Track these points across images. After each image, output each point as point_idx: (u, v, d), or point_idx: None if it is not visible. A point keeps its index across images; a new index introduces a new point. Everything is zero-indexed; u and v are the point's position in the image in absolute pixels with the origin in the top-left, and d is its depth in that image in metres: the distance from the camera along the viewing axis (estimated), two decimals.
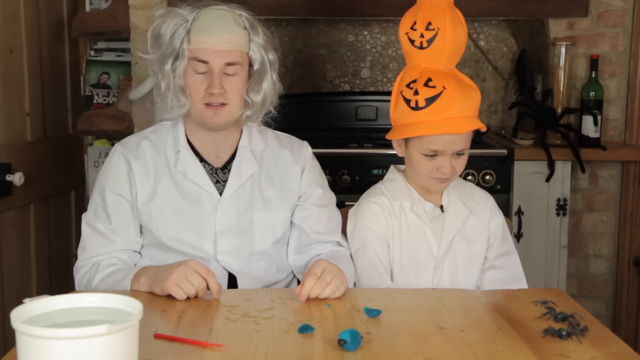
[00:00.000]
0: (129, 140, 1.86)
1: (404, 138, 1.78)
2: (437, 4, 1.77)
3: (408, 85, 1.75)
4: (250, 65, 1.78)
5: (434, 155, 1.74)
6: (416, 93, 1.73)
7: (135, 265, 1.78)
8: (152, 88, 1.84)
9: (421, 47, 1.76)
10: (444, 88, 1.71)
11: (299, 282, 1.90)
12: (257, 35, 1.77)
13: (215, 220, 1.79)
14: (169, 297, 1.57)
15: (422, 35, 1.75)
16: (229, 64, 1.73)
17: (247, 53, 1.76)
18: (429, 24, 1.75)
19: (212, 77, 1.73)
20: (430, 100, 1.71)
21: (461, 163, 1.77)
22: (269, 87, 1.80)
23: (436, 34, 1.74)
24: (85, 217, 1.82)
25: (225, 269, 1.80)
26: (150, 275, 1.63)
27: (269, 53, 1.80)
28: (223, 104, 1.75)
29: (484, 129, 1.77)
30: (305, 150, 1.92)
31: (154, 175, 1.80)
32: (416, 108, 1.72)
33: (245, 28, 1.76)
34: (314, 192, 1.88)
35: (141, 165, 1.80)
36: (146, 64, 1.82)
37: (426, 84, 1.73)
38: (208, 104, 1.75)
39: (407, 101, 1.74)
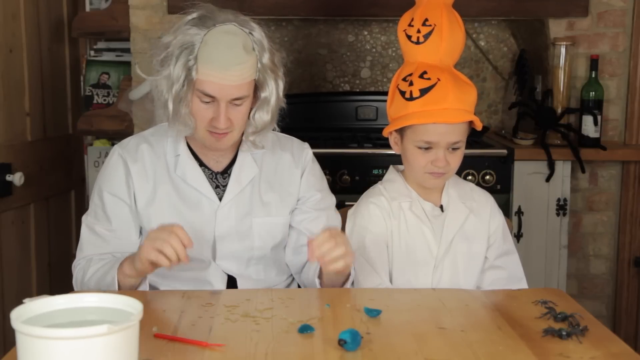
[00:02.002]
0: (128, 142, 1.84)
1: (400, 133, 1.78)
2: (435, 3, 1.78)
3: (404, 79, 1.76)
4: (257, 87, 1.73)
5: (428, 147, 1.74)
6: (411, 84, 1.74)
7: None
8: (152, 89, 1.81)
9: (418, 42, 1.77)
10: (439, 79, 1.72)
11: (298, 285, 1.90)
12: (264, 56, 1.70)
13: (215, 225, 1.79)
14: (168, 297, 1.57)
15: (418, 31, 1.77)
16: (236, 99, 1.68)
17: (255, 79, 1.71)
18: (426, 20, 1.77)
19: (218, 111, 1.68)
20: (424, 91, 1.72)
21: (456, 158, 1.77)
22: (276, 105, 1.76)
23: (432, 29, 1.75)
24: (86, 219, 1.81)
25: (225, 272, 1.80)
26: (129, 258, 1.62)
27: (278, 76, 1.74)
28: (226, 133, 1.72)
29: (478, 123, 1.76)
30: (306, 152, 1.90)
31: (153, 179, 1.79)
32: (410, 99, 1.74)
33: (253, 50, 1.69)
34: (312, 196, 1.87)
35: (139, 168, 1.79)
36: (149, 74, 1.77)
37: (421, 76, 1.74)
38: (212, 132, 1.72)
39: (402, 93, 1.75)
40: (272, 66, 1.72)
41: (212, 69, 1.65)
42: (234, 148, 1.83)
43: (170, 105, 1.69)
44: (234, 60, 1.66)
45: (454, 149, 1.75)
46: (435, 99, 1.71)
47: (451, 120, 1.71)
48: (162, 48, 1.71)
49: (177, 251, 1.52)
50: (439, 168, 1.75)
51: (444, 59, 1.76)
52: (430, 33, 1.75)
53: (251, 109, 1.75)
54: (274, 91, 1.74)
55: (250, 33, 1.70)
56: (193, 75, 1.66)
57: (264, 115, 1.75)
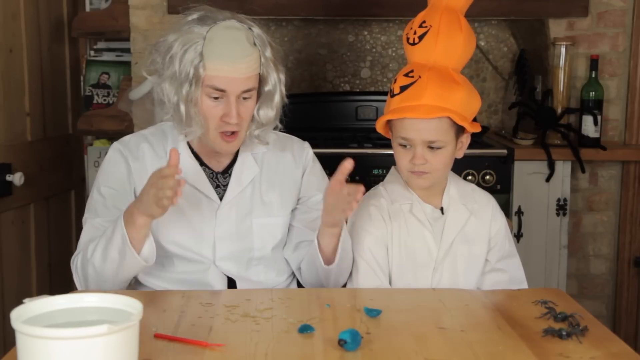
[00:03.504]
0: (129, 140, 1.84)
1: (392, 132, 1.79)
2: (437, 6, 1.78)
3: (395, 78, 1.77)
4: (260, 82, 1.74)
5: (407, 145, 1.74)
6: (395, 82, 1.76)
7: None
8: (152, 88, 1.81)
9: (413, 44, 1.77)
10: (420, 77, 1.72)
11: (298, 284, 1.90)
12: (266, 51, 1.72)
13: (215, 225, 1.78)
14: (168, 297, 1.58)
15: (415, 32, 1.77)
16: (246, 91, 1.70)
17: (259, 73, 1.72)
18: (423, 22, 1.77)
19: (229, 106, 1.68)
20: (403, 88, 1.73)
21: (438, 158, 1.74)
22: (279, 102, 1.78)
23: (427, 30, 1.75)
24: (87, 217, 1.80)
25: (225, 274, 1.80)
26: (137, 211, 1.60)
27: (279, 70, 1.76)
28: (235, 132, 1.72)
29: (464, 123, 1.73)
30: (307, 152, 1.90)
31: None
32: (392, 96, 1.75)
33: (255, 45, 1.71)
34: (313, 195, 1.87)
35: (140, 167, 1.79)
36: (145, 70, 1.77)
37: (406, 74, 1.75)
38: (222, 133, 1.72)
39: (390, 91, 1.77)
40: (274, 60, 1.75)
41: (221, 63, 1.66)
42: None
43: (183, 107, 1.69)
44: (241, 53, 1.67)
45: (433, 147, 1.73)
46: (411, 95, 1.71)
47: (423, 115, 1.70)
48: (164, 49, 1.71)
49: (174, 191, 1.52)
50: (417, 166, 1.74)
51: (440, 59, 1.75)
52: (424, 34, 1.75)
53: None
54: (277, 86, 1.75)
55: (250, 29, 1.72)
56: (200, 72, 1.66)
57: (269, 112, 1.76)
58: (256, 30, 1.73)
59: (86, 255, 1.70)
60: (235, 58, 1.66)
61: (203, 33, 1.67)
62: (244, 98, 1.71)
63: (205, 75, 1.67)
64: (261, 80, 1.74)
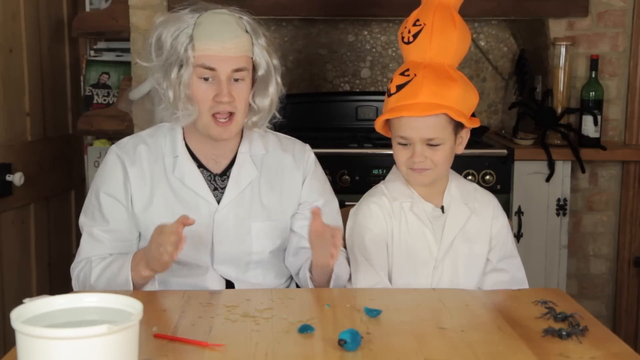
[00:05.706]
0: (126, 143, 1.83)
1: (392, 132, 1.79)
2: (430, 3, 1.79)
3: (392, 78, 1.78)
4: (254, 69, 1.76)
5: (406, 143, 1.74)
6: (391, 81, 1.77)
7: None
8: (152, 88, 1.81)
9: (408, 42, 1.78)
10: (415, 75, 1.73)
11: (297, 285, 1.90)
12: (259, 39, 1.74)
13: (213, 229, 1.77)
14: (168, 297, 1.58)
15: (409, 31, 1.78)
16: (237, 70, 1.70)
17: (252, 58, 1.74)
18: (417, 20, 1.78)
19: (220, 85, 1.69)
20: (399, 87, 1.74)
21: (438, 155, 1.75)
22: (275, 90, 1.78)
23: (421, 29, 1.76)
24: (84, 222, 1.80)
25: (223, 277, 1.79)
26: (143, 261, 1.63)
27: (273, 57, 1.77)
28: (231, 115, 1.72)
29: (462, 119, 1.73)
30: (308, 155, 1.89)
31: (150, 182, 1.78)
32: (389, 95, 1.76)
33: (247, 32, 1.73)
34: (315, 201, 1.86)
35: (137, 171, 1.78)
36: (148, 71, 1.79)
37: (402, 73, 1.76)
38: (216, 116, 1.71)
39: (388, 90, 1.77)
40: (268, 49, 1.76)
41: (210, 43, 1.68)
42: (233, 148, 1.82)
43: (170, 93, 1.70)
44: (230, 34, 1.69)
45: (432, 145, 1.74)
46: (408, 94, 1.72)
47: (419, 113, 1.70)
48: (156, 39, 1.73)
49: (174, 246, 1.53)
50: (417, 164, 1.74)
51: (435, 57, 1.75)
52: (418, 32, 1.76)
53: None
54: (271, 73, 1.76)
55: (241, 17, 1.74)
56: (190, 53, 1.68)
57: (264, 99, 1.77)
58: (247, 19, 1.75)
59: (89, 278, 1.72)
60: (224, 38, 1.68)
61: (194, 18, 1.70)
62: (236, 79, 1.71)
63: (195, 55, 1.68)
64: (255, 66, 1.75)
